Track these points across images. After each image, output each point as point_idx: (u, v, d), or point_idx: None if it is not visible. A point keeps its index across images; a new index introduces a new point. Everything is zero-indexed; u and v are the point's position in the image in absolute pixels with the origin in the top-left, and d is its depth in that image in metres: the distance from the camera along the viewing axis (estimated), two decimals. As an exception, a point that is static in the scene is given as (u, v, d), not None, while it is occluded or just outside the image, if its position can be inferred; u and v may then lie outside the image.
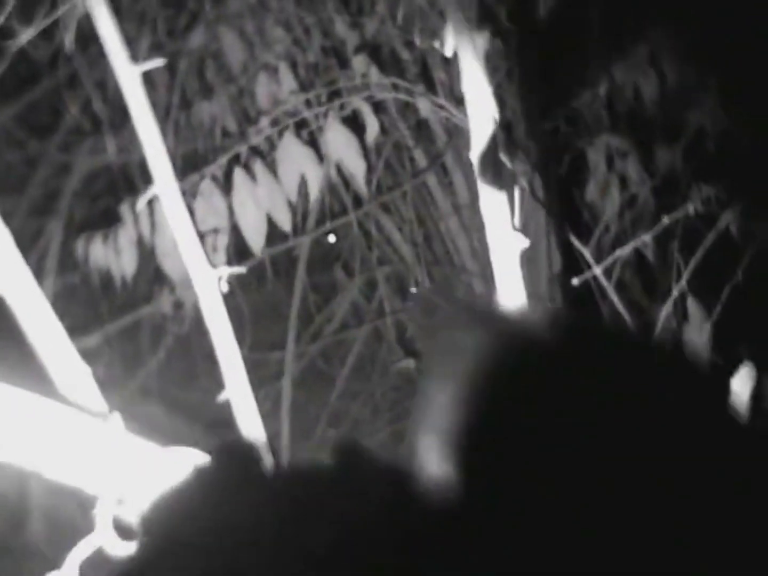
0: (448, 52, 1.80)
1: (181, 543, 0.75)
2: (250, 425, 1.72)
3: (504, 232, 1.72)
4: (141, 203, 1.80)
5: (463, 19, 1.77)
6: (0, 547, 3.25)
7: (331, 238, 3.62)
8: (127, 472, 1.03)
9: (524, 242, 1.71)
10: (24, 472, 1.08)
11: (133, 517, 1.02)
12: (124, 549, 1.00)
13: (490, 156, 1.77)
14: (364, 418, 3.62)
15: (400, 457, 0.81)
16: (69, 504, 2.83)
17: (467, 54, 1.74)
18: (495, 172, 1.78)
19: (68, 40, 1.90)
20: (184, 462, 1.03)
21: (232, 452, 0.85)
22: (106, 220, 2.75)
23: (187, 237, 1.75)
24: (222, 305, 1.72)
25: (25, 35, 1.86)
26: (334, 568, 0.70)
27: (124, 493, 1.02)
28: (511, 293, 1.78)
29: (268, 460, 1.01)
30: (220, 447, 0.86)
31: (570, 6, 3.01)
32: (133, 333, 3.21)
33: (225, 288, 1.75)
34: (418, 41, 2.78)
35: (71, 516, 2.76)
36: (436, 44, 1.83)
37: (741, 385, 2.18)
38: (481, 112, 1.75)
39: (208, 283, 1.73)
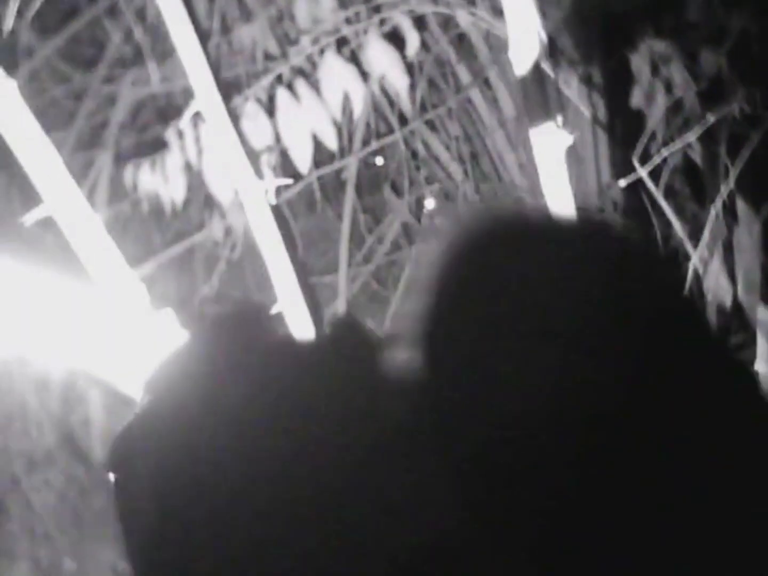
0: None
1: (180, 405, 0.77)
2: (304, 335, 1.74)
3: (548, 131, 1.72)
4: (185, 121, 1.82)
5: None
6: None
7: (379, 160, 3.61)
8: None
9: (568, 139, 1.71)
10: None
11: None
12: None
13: (531, 65, 1.76)
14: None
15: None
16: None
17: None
18: (537, 80, 1.78)
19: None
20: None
21: (236, 317, 0.87)
22: (155, 150, 2.76)
23: (232, 151, 1.77)
24: (271, 216, 1.74)
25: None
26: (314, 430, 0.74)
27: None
28: (558, 195, 1.78)
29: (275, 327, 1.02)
30: (225, 312, 0.88)
31: None
32: (186, 261, 3.24)
33: (273, 200, 1.77)
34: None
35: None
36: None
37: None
38: (521, 22, 1.74)
39: (256, 196, 1.75)
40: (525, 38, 1.76)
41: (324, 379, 0.78)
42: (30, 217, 1.55)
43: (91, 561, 3.41)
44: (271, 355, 0.81)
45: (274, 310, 1.69)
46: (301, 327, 1.75)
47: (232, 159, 1.78)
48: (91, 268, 1.55)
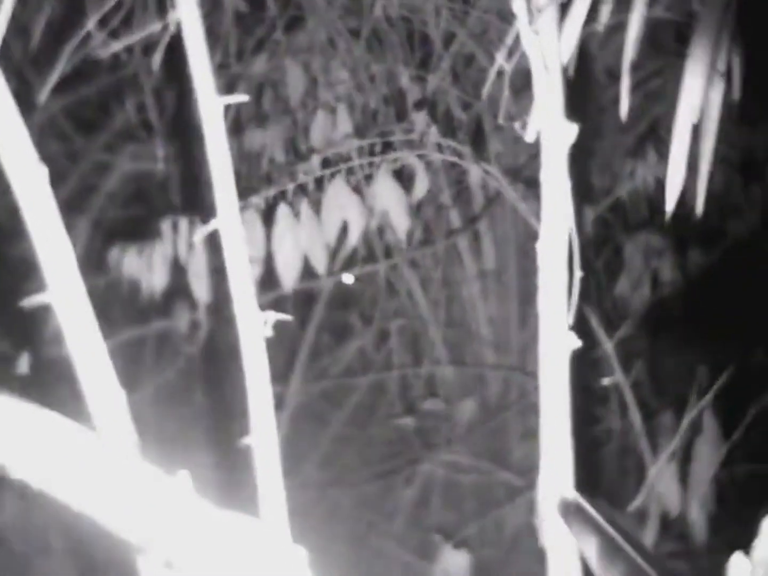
0: (531, 137, 1.77)
1: None
2: (269, 476, 1.68)
3: (558, 330, 1.70)
4: (200, 236, 1.77)
5: (554, 105, 1.75)
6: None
7: (349, 280, 3.58)
8: (181, 531, 1.00)
9: (576, 343, 1.68)
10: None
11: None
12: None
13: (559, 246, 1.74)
14: (353, 465, 3.58)
15: None
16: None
17: (552, 142, 1.72)
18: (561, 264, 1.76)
19: (156, 61, 1.88)
20: (239, 527, 1.00)
21: None
22: (134, 227, 2.73)
23: (241, 273, 1.73)
24: (264, 350, 1.69)
25: (114, 47, 1.84)
26: None
27: (174, 550, 0.99)
28: (555, 393, 1.75)
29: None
30: None
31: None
32: (141, 344, 3.18)
33: (269, 333, 1.72)
34: (501, 119, 2.75)
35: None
36: (517, 126, 1.80)
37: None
38: (557, 204, 1.72)
39: (252, 325, 1.70)
40: (557, 221, 1.74)
41: None
42: (31, 303, 1.49)
43: None
44: None
45: (245, 442, 1.63)
46: (271, 465, 1.70)
47: (238, 279, 1.74)
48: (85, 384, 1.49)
